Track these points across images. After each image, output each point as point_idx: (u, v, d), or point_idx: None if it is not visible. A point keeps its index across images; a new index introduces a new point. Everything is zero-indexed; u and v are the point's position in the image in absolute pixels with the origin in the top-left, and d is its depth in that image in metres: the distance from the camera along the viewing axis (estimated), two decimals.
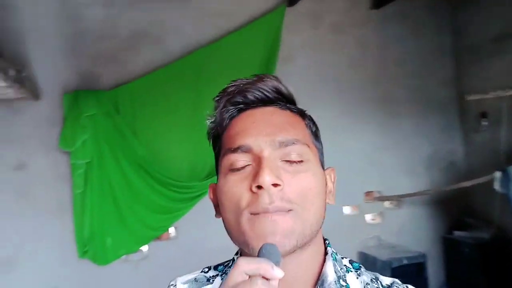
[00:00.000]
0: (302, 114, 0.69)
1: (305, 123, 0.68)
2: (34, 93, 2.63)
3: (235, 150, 0.62)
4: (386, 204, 3.39)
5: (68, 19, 2.81)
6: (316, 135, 0.69)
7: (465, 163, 3.61)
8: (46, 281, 2.70)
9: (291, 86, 0.68)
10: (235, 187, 0.61)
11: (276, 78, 0.67)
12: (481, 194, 3.30)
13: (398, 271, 2.91)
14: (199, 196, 2.87)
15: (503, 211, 3.04)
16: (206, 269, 0.77)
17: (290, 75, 3.15)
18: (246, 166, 0.61)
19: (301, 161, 0.61)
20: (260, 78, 0.66)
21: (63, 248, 2.73)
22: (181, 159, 2.89)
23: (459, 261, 3.25)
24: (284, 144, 0.61)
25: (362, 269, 0.70)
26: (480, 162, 3.46)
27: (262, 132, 0.61)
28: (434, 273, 3.29)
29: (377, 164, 3.35)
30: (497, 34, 3.28)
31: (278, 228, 0.57)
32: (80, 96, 2.68)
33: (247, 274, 0.48)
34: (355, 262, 0.71)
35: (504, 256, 3.15)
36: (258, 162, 0.60)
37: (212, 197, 0.70)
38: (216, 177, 2.26)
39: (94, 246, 2.73)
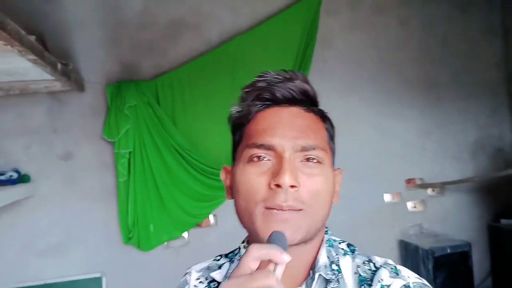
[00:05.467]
0: (323, 116, 0.79)
1: (325, 126, 0.78)
2: (79, 85, 2.97)
3: (259, 146, 0.72)
4: (429, 191, 3.58)
5: (109, 10, 3.13)
6: (332, 137, 0.80)
7: None
8: (94, 266, 3.07)
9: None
10: (254, 179, 0.71)
11: (305, 78, 0.77)
12: None
13: (441, 260, 3.10)
14: None
15: None
16: (218, 257, 0.91)
17: (328, 60, 3.38)
18: (265, 159, 0.72)
19: (317, 164, 0.72)
20: (290, 78, 0.75)
21: (109, 234, 3.11)
22: (219, 147, 3.15)
23: (505, 250, 3.39)
24: (305, 149, 0.71)
25: (357, 252, 0.80)
26: None
27: (287, 135, 0.72)
28: (479, 262, 3.47)
29: (420, 150, 3.55)
30: None
31: (288, 226, 0.68)
32: (123, 87, 3.00)
33: (258, 259, 0.58)
34: (352, 245, 0.82)
35: None
36: (279, 160, 0.70)
37: (224, 178, 0.82)
38: None
39: (138, 233, 3.08)
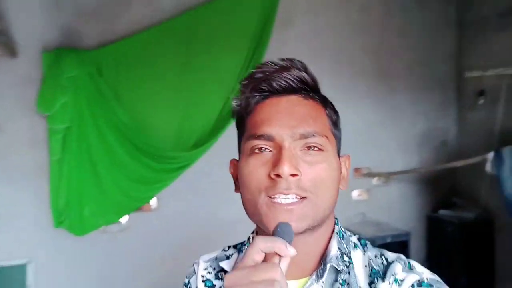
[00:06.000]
0: (324, 102, 0.80)
1: (326, 112, 0.79)
2: (11, 50, 2.65)
3: (258, 137, 0.73)
4: (374, 181, 3.65)
5: None
6: (335, 123, 0.80)
7: (457, 142, 3.90)
8: (20, 250, 2.83)
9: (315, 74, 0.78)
10: (256, 171, 0.73)
11: (303, 66, 0.78)
12: (470, 175, 3.59)
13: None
14: (184, 167, 3.01)
15: (490, 193, 3.33)
16: (227, 248, 0.93)
17: (287, 41, 3.30)
18: (266, 150, 0.73)
19: (319, 152, 0.73)
20: (286, 66, 0.77)
21: (39, 217, 2.85)
22: (166, 127, 2.99)
23: (441, 240, 3.58)
24: (304, 136, 0.72)
25: (369, 245, 0.81)
26: (472, 141, 3.72)
27: (286, 124, 0.73)
28: (416, 250, 3.62)
29: (369, 140, 3.58)
30: (504, 8, 3.44)
31: (293, 215, 0.70)
32: (61, 55, 2.71)
33: (263, 251, 0.59)
34: (364, 239, 0.83)
35: (486, 237, 3.49)
36: (278, 150, 0.72)
37: (232, 171, 0.84)
38: (203, 147, 2.59)
39: (71, 216, 2.85)
